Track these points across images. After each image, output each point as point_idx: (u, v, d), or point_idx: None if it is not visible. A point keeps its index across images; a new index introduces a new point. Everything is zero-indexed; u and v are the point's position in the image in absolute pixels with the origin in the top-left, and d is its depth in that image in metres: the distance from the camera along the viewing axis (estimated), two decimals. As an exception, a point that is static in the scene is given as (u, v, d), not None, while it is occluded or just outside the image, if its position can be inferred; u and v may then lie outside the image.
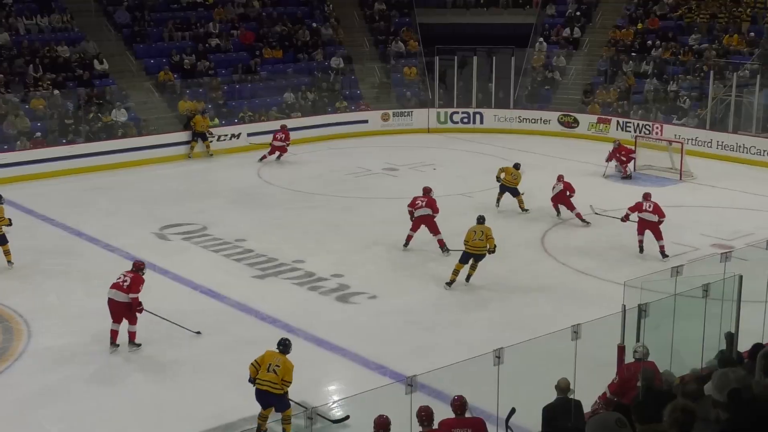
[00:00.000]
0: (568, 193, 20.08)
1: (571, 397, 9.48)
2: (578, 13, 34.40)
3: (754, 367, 8.32)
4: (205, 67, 29.96)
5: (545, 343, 10.54)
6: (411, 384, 8.77)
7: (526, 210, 20.90)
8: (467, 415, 9.37)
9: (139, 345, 13.72)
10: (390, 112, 31.22)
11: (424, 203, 18.08)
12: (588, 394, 10.03)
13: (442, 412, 9.33)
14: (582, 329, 9.90)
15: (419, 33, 34.55)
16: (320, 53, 32.54)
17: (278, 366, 10.93)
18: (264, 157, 26.53)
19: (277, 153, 26.70)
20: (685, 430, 5.10)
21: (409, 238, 18.25)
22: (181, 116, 28.10)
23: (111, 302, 13.65)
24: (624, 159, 24.34)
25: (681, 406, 5.21)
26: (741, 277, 11.76)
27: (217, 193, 22.88)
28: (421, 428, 9.09)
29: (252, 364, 11.15)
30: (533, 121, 31.18)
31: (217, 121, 28.09)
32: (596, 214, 20.22)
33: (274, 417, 11.10)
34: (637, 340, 10.68)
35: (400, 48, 33.74)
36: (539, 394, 9.70)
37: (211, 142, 27.35)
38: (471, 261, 16.30)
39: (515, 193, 20.99)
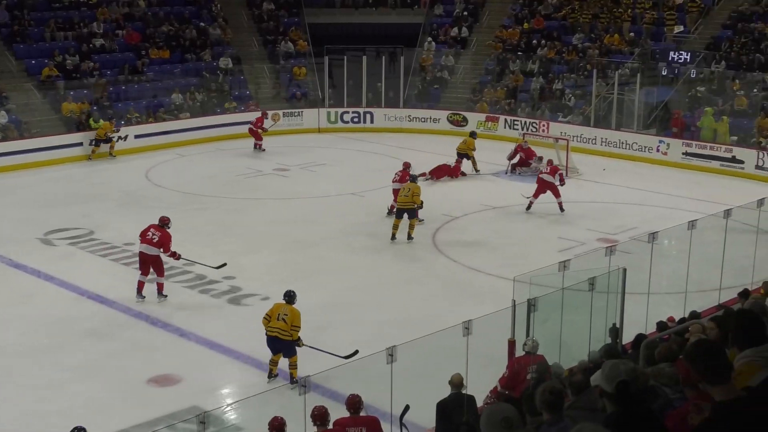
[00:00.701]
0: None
1: (464, 392, 9.62)
2: (465, 13, 34.87)
3: (637, 356, 8.60)
4: (90, 67, 29.29)
5: (437, 340, 10.66)
6: (304, 385, 8.78)
7: (478, 171, 24.48)
8: (362, 413, 9.41)
9: (166, 296, 15.30)
10: (280, 112, 31.07)
11: (398, 177, 19.94)
12: (481, 388, 10.20)
13: (337, 412, 9.35)
14: (473, 325, 10.07)
15: (308, 33, 34.49)
16: (208, 53, 32.18)
17: (286, 314, 12.30)
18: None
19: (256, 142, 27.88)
20: (555, 410, 5.31)
21: (391, 207, 19.81)
22: (66, 118, 27.45)
23: (142, 255, 15.34)
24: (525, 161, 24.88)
25: (549, 387, 5.40)
26: (625, 270, 12.13)
27: (104, 197, 22.41)
28: (315, 428, 9.09)
29: (264, 317, 12.45)
30: (423, 120, 31.48)
31: (102, 123, 27.46)
32: (528, 198, 20.88)
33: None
34: (527, 335, 10.91)
35: (289, 48, 33.61)
36: (433, 390, 9.82)
37: (95, 145, 26.75)
38: (405, 216, 18.53)
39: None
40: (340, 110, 31.64)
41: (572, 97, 30.18)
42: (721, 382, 4.14)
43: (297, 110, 31.47)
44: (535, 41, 32.75)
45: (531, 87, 31.29)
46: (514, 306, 11.07)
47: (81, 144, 26.72)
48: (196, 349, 13.60)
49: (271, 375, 12.44)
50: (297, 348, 12.33)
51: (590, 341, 11.25)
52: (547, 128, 28.46)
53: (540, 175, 20.75)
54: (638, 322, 12.17)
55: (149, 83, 30.38)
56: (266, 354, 12.52)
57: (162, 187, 23.43)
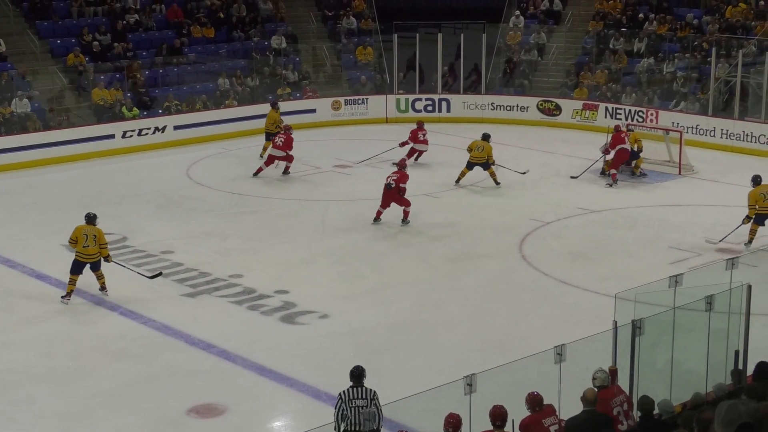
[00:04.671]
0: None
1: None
2: (559, -18, 34.66)
3: (761, 389, 8.35)
4: (123, 48, 29.73)
5: (524, 368, 10.57)
6: (369, 419, 8.77)
7: (499, 184, 23.16)
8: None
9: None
10: (341, 99, 31.18)
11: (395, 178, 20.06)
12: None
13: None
14: (567, 350, 9.96)
15: (374, 7, 34.55)
16: (259, 31, 32.43)
17: (95, 236, 15.80)
18: (259, 170, 24.45)
19: (278, 162, 24.44)
20: None
21: (378, 213, 20.12)
22: (98, 106, 27.87)
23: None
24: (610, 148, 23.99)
25: None
26: (750, 286, 11.87)
27: (139, 197, 22.70)
28: None
29: (70, 240, 15.97)
30: (508, 108, 31.31)
31: (137, 111, 27.88)
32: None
33: None
34: (632, 361, 10.75)
35: (352, 24, 33.72)
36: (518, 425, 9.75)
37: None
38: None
39: (486, 166, 22.97)
40: (412, 97, 31.64)
41: (686, 81, 29.77)
42: None
43: (361, 97, 31.53)
44: (641, 15, 32.36)
45: (637, 69, 30.93)
46: (615, 328, 10.93)
47: (113, 136, 27.11)
48: (244, 375, 13.66)
49: (68, 295, 15.85)
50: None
51: (708, 371, 11.06)
52: (656, 118, 28.11)
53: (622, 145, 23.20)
54: (765, 350, 11.91)
55: (191, 66, 30.72)
56: (327, 382, 12.58)
57: (205, 186, 23.65)
